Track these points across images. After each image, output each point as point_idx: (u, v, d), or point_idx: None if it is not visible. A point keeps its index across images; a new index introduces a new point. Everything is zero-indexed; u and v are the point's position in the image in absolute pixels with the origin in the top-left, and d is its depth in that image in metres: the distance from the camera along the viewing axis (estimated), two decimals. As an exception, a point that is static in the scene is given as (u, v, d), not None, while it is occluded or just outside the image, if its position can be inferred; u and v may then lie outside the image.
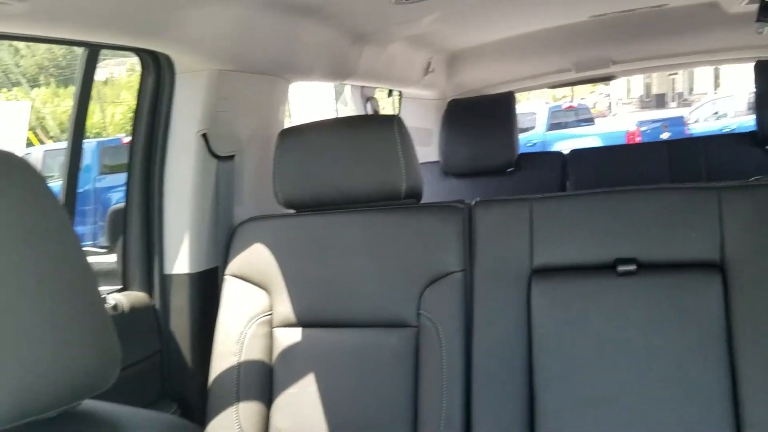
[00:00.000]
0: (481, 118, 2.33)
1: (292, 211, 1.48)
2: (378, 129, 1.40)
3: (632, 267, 1.17)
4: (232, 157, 1.56)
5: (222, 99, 1.50)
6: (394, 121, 1.40)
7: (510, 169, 2.37)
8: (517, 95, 2.78)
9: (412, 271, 1.31)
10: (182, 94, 1.47)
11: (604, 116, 19.30)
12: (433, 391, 1.25)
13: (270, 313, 1.40)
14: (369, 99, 2.51)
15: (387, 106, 2.77)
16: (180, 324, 1.49)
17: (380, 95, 2.72)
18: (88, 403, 0.56)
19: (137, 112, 1.50)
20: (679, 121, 11.70)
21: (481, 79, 2.82)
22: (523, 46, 2.63)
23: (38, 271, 0.50)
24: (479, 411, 1.21)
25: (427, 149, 2.58)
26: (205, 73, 1.45)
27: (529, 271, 1.24)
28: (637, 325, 1.15)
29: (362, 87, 2.50)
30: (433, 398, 1.24)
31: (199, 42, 1.36)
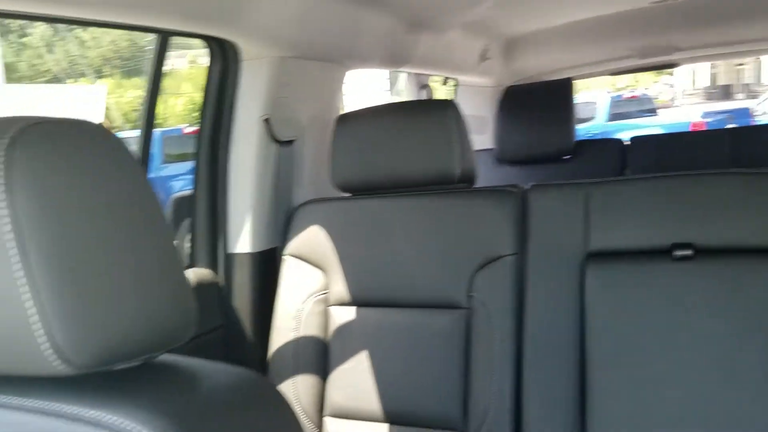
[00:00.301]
0: (538, 105, 2.32)
1: (348, 194, 1.53)
2: (433, 113, 1.43)
3: (689, 252, 1.16)
4: (291, 141, 1.62)
5: (283, 85, 1.56)
6: (449, 105, 1.42)
7: (567, 157, 2.36)
8: (578, 84, 2.75)
9: (464, 254, 1.33)
10: (246, 80, 1.53)
11: (668, 107, 18.68)
12: (483, 371, 1.27)
13: (326, 291, 1.45)
14: (424, 86, 2.53)
15: (442, 95, 2.78)
16: (242, 300, 1.56)
17: (435, 85, 2.73)
18: (166, 356, 0.61)
19: (205, 99, 1.57)
20: (745, 113, 11.22)
21: (538, 66, 2.80)
22: (583, 33, 2.60)
23: (126, 232, 0.54)
24: (529, 391, 1.23)
25: (483, 137, 2.58)
26: (268, 60, 1.51)
27: (583, 255, 1.25)
28: (692, 310, 1.14)
29: (417, 74, 2.52)
30: (482, 378, 1.27)
31: (264, 29, 1.42)
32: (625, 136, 2.63)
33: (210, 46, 1.52)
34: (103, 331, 0.51)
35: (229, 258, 1.58)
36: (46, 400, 0.52)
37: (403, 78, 2.71)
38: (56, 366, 0.50)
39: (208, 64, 1.55)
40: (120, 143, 0.56)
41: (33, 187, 0.49)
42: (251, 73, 1.53)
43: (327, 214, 1.49)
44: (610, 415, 1.16)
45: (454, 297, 1.33)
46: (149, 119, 1.51)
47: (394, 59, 1.96)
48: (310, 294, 1.46)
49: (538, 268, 1.28)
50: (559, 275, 1.25)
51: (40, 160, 0.49)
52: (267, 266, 1.58)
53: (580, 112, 8.19)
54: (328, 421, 1.40)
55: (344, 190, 1.51)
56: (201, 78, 1.59)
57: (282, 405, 0.59)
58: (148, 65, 1.53)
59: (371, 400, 1.35)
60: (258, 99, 1.53)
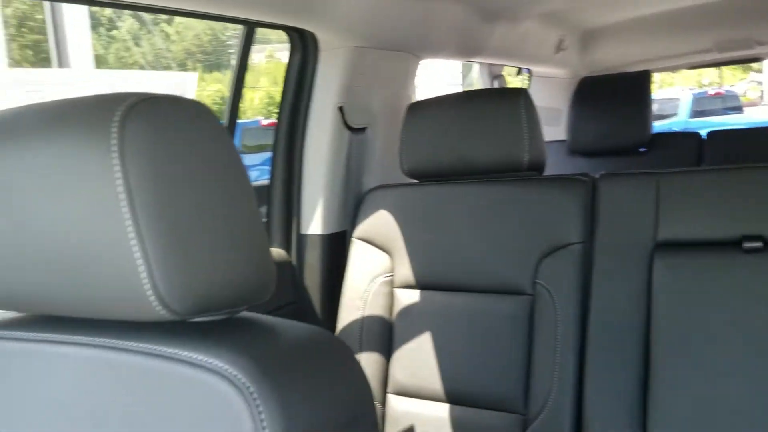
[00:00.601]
0: (614, 96, 2.28)
1: (416, 180, 1.57)
2: (504, 101, 1.44)
3: (759, 244, 1.14)
4: (364, 129, 1.67)
5: (358, 75, 1.61)
6: (520, 93, 1.44)
7: (642, 150, 2.31)
8: (660, 80, 2.68)
9: (530, 241, 1.35)
10: (323, 70, 1.60)
11: (755, 105, 17.75)
12: (546, 357, 1.29)
13: (391, 274, 1.50)
14: (497, 77, 2.53)
15: (516, 86, 2.77)
16: (312, 279, 1.63)
17: (509, 78, 2.73)
18: (246, 313, 0.67)
19: (284, 88, 1.64)
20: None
21: (616, 58, 2.75)
22: (661, 25, 2.53)
23: (219, 197, 0.60)
24: (591, 379, 1.24)
25: (556, 129, 2.57)
26: (344, 50, 1.56)
27: (652, 245, 1.24)
28: (761, 303, 1.12)
29: (490, 65, 2.52)
30: (545, 364, 1.28)
31: (342, 20, 1.47)
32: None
33: (291, 37, 1.59)
34: (198, 282, 0.57)
35: (302, 239, 1.65)
36: (148, 343, 0.58)
37: (475, 69, 2.72)
38: (158, 311, 0.56)
39: (289, 55, 1.62)
40: (215, 119, 0.62)
41: (142, 154, 0.54)
42: (328, 63, 1.59)
43: (395, 199, 1.53)
44: (673, 406, 1.15)
45: (519, 283, 1.35)
46: (233, 109, 1.60)
47: (467, 49, 1.98)
48: (376, 276, 1.51)
49: (605, 257, 1.28)
50: (626, 264, 1.25)
51: (149, 130, 0.55)
52: (336, 248, 1.64)
53: (661, 108, 7.91)
54: (391, 398, 1.44)
55: (413, 176, 1.55)
56: (278, 72, 1.67)
57: (354, 363, 0.64)
58: (228, 60, 1.62)
59: (433, 380, 1.39)
60: (333, 88, 1.59)
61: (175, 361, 0.56)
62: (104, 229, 0.55)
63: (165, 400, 0.56)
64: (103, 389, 0.59)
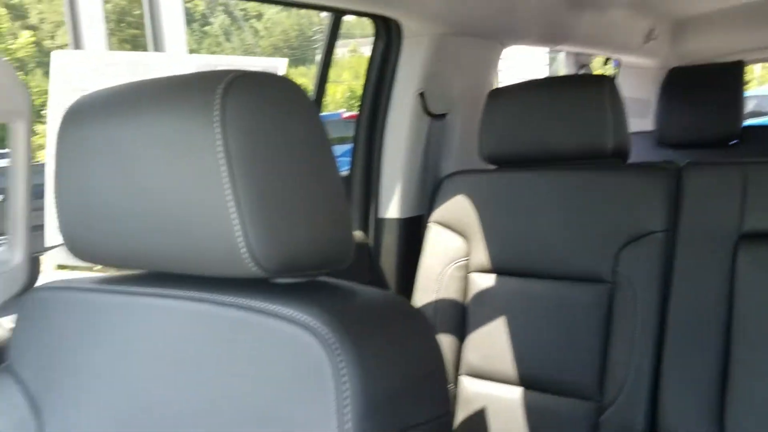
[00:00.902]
0: (705, 88, 2.19)
1: (494, 166, 1.57)
2: (588, 88, 1.42)
3: None
4: (444, 115, 1.69)
5: (440, 61, 1.63)
6: (605, 80, 1.41)
7: (732, 142, 2.21)
8: (760, 77, 2.54)
9: (611, 228, 1.33)
10: (406, 57, 1.63)
11: None
12: (623, 345, 1.27)
13: (467, 258, 1.51)
14: (583, 66, 2.48)
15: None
16: (388, 261, 1.67)
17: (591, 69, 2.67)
18: (326, 278, 0.70)
19: (368, 74, 1.68)
20: None
21: (708, 48, 2.63)
22: (756, 13, 2.41)
23: (307, 168, 0.64)
24: (669, 369, 1.21)
25: (643, 120, 2.49)
26: (427, 37, 1.59)
27: (736, 235, 1.20)
28: None
29: (577, 54, 2.47)
30: (622, 353, 1.27)
31: (427, 7, 1.49)
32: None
33: (376, 25, 1.63)
34: (285, 243, 0.62)
35: (379, 222, 1.69)
36: (239, 297, 0.63)
37: (561, 59, 2.67)
38: (250, 267, 0.60)
39: (373, 44, 1.66)
40: (304, 95, 0.67)
41: (240, 125, 0.59)
42: (411, 50, 1.62)
43: (473, 185, 1.54)
44: (752, 399, 1.12)
45: (598, 271, 1.33)
46: (318, 101, 1.66)
47: (552, 37, 1.96)
48: (451, 260, 1.52)
49: (688, 247, 1.25)
50: (709, 255, 1.22)
51: (246, 104, 0.60)
52: (413, 232, 1.67)
53: (760, 104, 7.50)
54: (464, 379, 1.46)
55: (492, 162, 1.55)
56: (360, 66, 1.72)
57: (426, 325, 0.67)
58: (313, 55, 1.69)
59: (506, 364, 1.40)
60: (415, 75, 1.62)
61: (263, 314, 0.61)
62: (206, 192, 0.60)
63: (253, 349, 0.61)
64: (199, 338, 0.65)
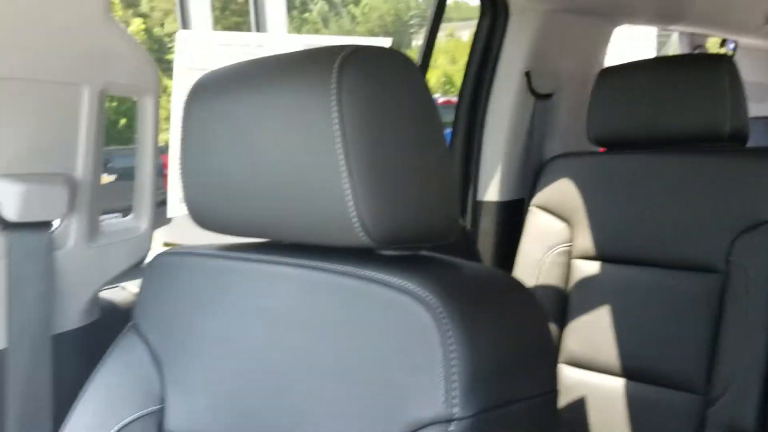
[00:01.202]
0: None
1: (601, 149, 1.52)
2: (705, 68, 1.35)
3: None
4: (549, 95, 1.65)
5: (547, 39, 1.59)
6: (723, 59, 1.33)
7: None
8: None
9: (726, 216, 1.26)
10: (512, 35, 1.60)
11: None
12: (735, 338, 1.21)
13: (569, 244, 1.47)
14: (697, 47, 2.35)
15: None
16: (485, 245, 1.65)
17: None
18: (429, 252, 0.71)
19: (471, 52, 1.66)
20: None
21: None
22: None
23: (417, 142, 0.64)
24: None
25: (764, 105, 2.33)
26: (535, 14, 1.55)
27: None
28: None
29: (691, 35, 2.35)
30: (733, 345, 1.21)
31: None
32: None
33: (482, 2, 1.60)
34: (394, 214, 0.62)
35: (477, 205, 1.67)
36: (349, 266, 0.65)
37: (673, 42, 2.54)
38: (360, 237, 0.62)
39: (478, 21, 1.64)
40: (416, 68, 0.67)
41: (356, 97, 0.61)
42: (517, 28, 1.59)
43: (579, 168, 1.49)
44: None
45: (710, 260, 1.27)
46: (424, 65, 1.65)
47: (667, 15, 1.86)
48: (553, 245, 1.49)
49: None
50: None
51: (361, 76, 0.61)
52: (512, 215, 1.64)
53: None
54: (563, 368, 1.43)
55: (600, 144, 1.50)
56: (456, 51, 1.70)
57: (534, 302, 0.66)
58: (409, 40, 1.68)
59: (609, 353, 1.36)
60: (521, 53, 1.59)
61: (371, 282, 0.62)
62: (320, 164, 0.62)
63: (362, 316, 0.63)
64: (311, 304, 0.67)
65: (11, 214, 0.83)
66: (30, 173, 0.85)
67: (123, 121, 7.45)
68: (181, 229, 1.20)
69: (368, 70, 0.62)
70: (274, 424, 0.68)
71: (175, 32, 1.26)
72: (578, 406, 1.39)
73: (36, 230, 0.87)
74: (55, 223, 0.90)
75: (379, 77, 0.62)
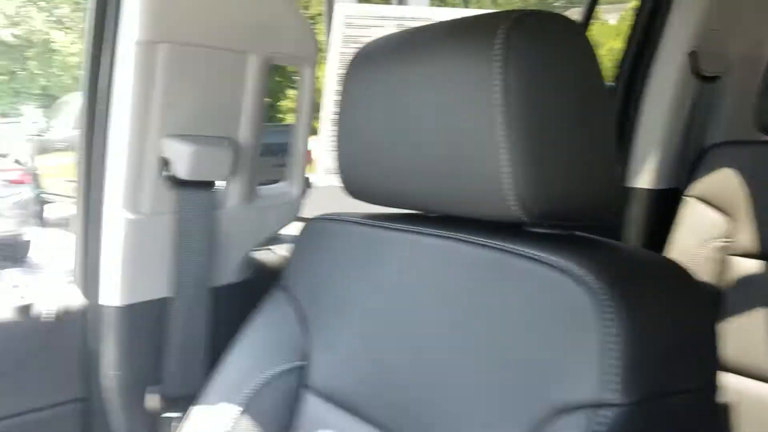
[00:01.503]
0: None
1: None
2: None
3: None
4: (715, 78, 1.52)
5: (716, 17, 1.46)
6: None
7: None
8: None
9: None
10: (678, 13, 1.49)
11: None
12: None
13: (728, 240, 1.35)
14: None
15: None
16: (632, 233, 1.57)
17: None
18: (581, 233, 0.67)
19: (631, 32, 1.58)
20: None
21: None
22: None
23: (584, 113, 0.61)
24: None
25: None
26: None
27: None
28: None
29: None
30: None
31: None
32: None
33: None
34: (552, 189, 0.60)
35: (626, 191, 1.58)
36: (498, 241, 0.64)
37: None
38: (514, 211, 0.60)
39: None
40: (585, 36, 0.63)
41: (523, 63, 0.58)
42: (684, 5, 1.48)
43: (745, 157, 1.37)
44: None
45: None
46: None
47: None
48: (709, 239, 1.38)
49: None
50: None
51: (531, 41, 0.59)
52: (665, 205, 1.54)
53: None
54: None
55: (770, 132, 1.37)
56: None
57: (703, 294, 0.61)
58: None
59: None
60: (686, 32, 1.48)
61: (523, 258, 0.60)
62: (480, 133, 0.60)
63: (510, 291, 0.61)
64: (454, 275, 0.67)
65: (182, 173, 0.89)
66: (199, 135, 0.91)
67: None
68: (313, 204, 1.23)
69: (537, 34, 0.59)
70: (411, 393, 0.68)
71: (319, 14, 1.29)
72: (730, 414, 1.29)
73: (202, 189, 0.93)
74: (218, 184, 0.96)
75: (549, 42, 0.60)
